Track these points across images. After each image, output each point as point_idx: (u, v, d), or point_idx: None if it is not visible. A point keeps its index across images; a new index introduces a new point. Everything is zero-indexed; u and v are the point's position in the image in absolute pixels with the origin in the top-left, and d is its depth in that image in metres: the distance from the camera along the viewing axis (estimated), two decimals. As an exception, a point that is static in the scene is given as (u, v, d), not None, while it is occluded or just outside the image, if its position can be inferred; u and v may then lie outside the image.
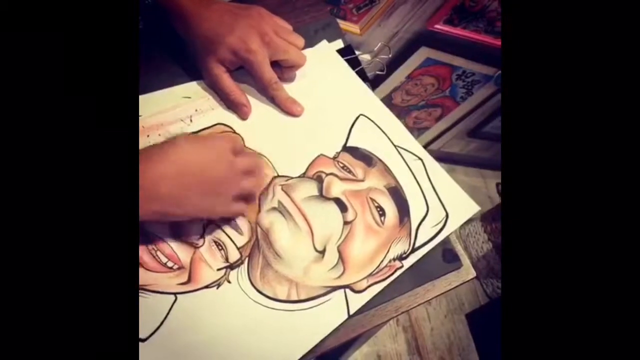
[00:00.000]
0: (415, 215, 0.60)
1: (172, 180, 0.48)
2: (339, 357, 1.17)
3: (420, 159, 0.63)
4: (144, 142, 0.59)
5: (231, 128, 0.62)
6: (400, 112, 1.51)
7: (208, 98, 0.63)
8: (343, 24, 1.13)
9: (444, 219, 0.60)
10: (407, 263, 0.57)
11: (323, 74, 0.67)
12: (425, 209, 0.60)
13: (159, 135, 0.60)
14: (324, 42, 0.70)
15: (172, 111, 0.62)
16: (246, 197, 0.55)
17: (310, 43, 0.69)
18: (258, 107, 0.64)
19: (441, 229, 0.59)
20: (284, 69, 0.65)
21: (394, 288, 0.57)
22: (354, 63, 0.69)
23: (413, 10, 1.15)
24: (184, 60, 0.65)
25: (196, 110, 0.62)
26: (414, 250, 0.58)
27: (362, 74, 0.69)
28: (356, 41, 1.19)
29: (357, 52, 0.72)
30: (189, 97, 0.63)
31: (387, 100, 1.44)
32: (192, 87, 0.64)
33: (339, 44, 0.71)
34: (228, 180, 0.51)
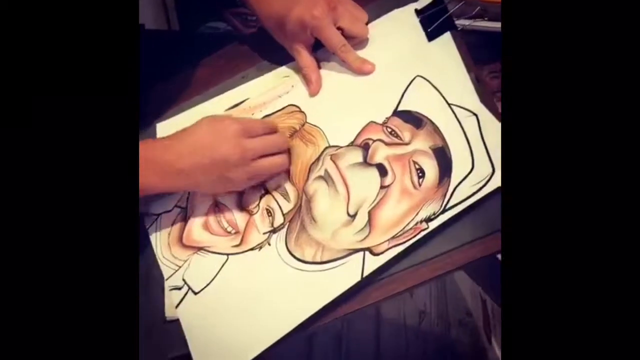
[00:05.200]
0: (458, 173, 0.54)
1: (186, 158, 0.55)
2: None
3: (475, 114, 0.57)
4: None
5: (298, 107, 0.66)
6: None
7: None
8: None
9: (489, 175, 0.53)
10: (434, 224, 0.52)
11: (383, 40, 0.66)
12: (470, 167, 0.54)
13: (261, 111, 0.67)
14: (394, 12, 0.68)
15: (273, 90, 0.69)
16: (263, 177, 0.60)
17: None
18: (324, 83, 0.66)
19: (483, 187, 0.52)
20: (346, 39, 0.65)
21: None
22: (442, 14, 0.64)
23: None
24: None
25: (292, 87, 0.68)
26: (444, 210, 0.53)
27: (450, 23, 0.64)
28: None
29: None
30: (288, 76, 0.69)
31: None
32: (292, 65, 0.69)
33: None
34: (236, 161, 0.55)
